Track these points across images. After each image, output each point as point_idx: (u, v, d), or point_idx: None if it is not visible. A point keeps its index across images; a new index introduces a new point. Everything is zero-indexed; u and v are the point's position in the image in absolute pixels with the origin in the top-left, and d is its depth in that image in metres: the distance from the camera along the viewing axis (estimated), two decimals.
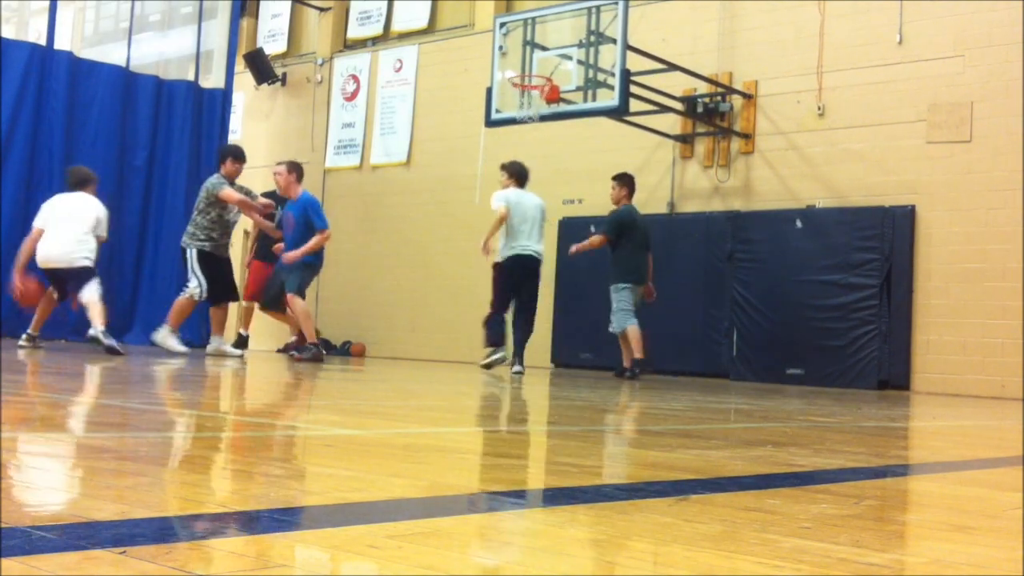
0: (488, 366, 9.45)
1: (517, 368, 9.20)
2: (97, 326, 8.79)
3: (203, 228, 9.40)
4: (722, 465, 2.71)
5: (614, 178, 10.30)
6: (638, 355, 9.76)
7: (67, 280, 9.16)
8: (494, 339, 9.53)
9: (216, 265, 9.47)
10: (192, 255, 9.33)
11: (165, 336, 9.36)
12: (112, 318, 13.17)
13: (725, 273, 11.76)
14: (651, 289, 10.13)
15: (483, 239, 9.67)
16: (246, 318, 11.28)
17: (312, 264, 9.90)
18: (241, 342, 10.97)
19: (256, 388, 6.01)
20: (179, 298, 9.50)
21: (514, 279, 9.53)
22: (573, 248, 10.02)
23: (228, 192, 9.37)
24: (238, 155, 9.74)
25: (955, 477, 2.87)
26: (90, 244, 9.05)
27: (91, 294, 8.89)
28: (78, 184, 9.45)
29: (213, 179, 9.52)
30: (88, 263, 9.04)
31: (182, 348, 9.38)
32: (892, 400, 8.25)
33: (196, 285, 9.30)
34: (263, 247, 11.07)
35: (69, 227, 9.05)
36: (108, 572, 1.12)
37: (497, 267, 9.67)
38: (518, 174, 10.00)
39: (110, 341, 8.70)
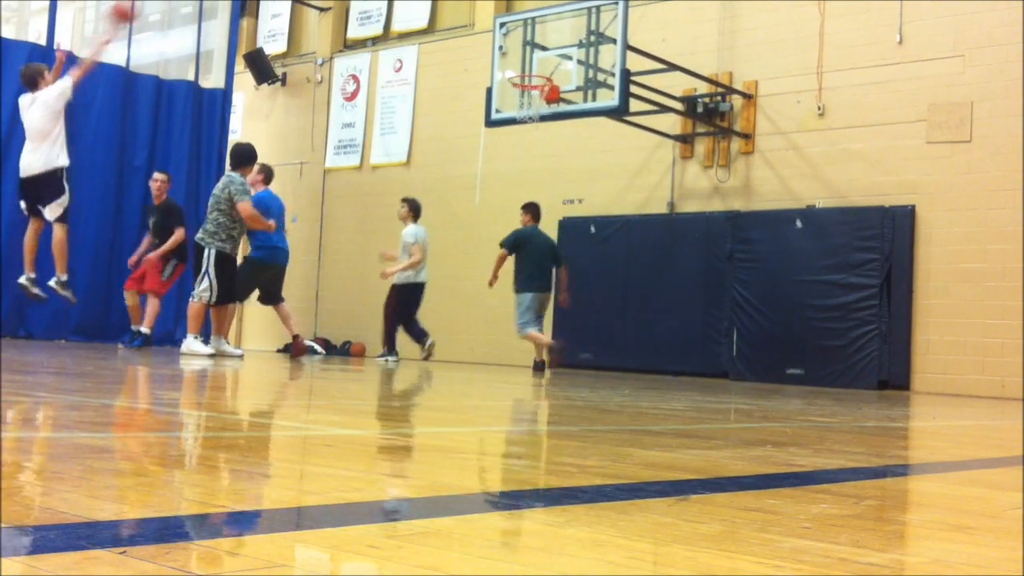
0: (428, 356, 11.33)
1: (394, 358, 11.44)
2: (56, 277, 9.53)
3: (225, 228, 9.26)
4: (722, 465, 2.71)
5: (521, 207, 11.46)
6: (538, 358, 11.11)
7: (40, 191, 9.26)
8: (420, 335, 11.47)
9: (230, 266, 9.43)
10: (211, 255, 9.20)
11: (190, 343, 9.34)
12: (113, 317, 13.27)
13: (725, 273, 11.76)
14: (566, 297, 11.28)
15: (396, 268, 11.37)
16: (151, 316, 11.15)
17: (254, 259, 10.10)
18: (146, 340, 10.93)
19: (256, 388, 6.01)
20: (192, 304, 9.45)
21: (414, 302, 11.44)
22: (491, 278, 11.33)
23: (246, 206, 9.22)
24: (255, 159, 9.75)
25: (955, 477, 2.87)
26: (59, 142, 9.28)
27: (52, 216, 9.28)
28: (28, 83, 9.50)
29: (239, 184, 9.31)
30: (59, 166, 9.26)
31: (209, 349, 9.36)
32: (892, 400, 8.25)
33: (207, 288, 9.21)
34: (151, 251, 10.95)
35: (36, 136, 9.27)
36: (108, 572, 1.12)
37: (405, 289, 11.41)
38: (418, 210, 11.70)
39: (67, 292, 9.58)
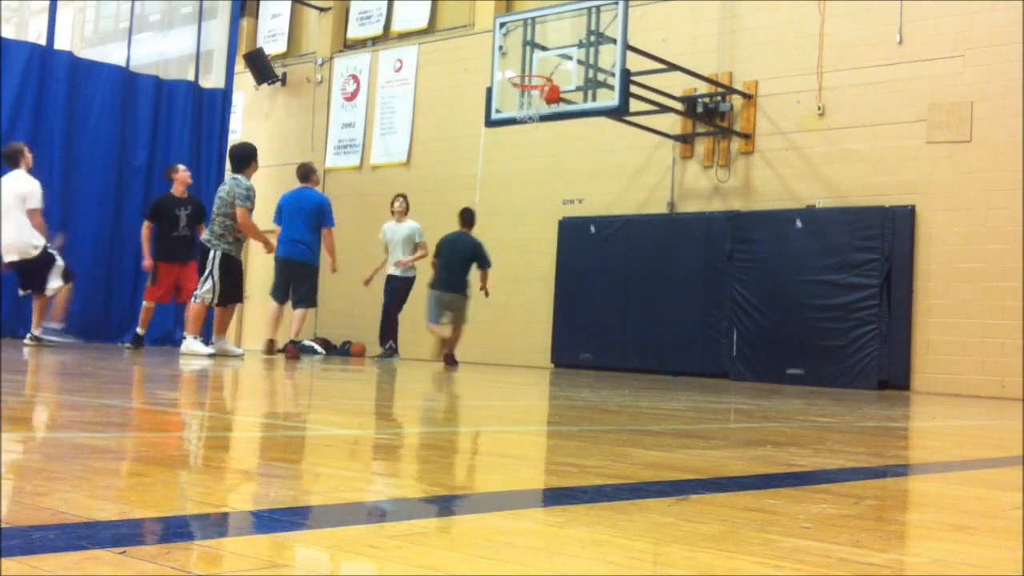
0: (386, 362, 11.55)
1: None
2: (48, 323, 9.85)
3: (231, 230, 9.27)
4: (722, 465, 2.71)
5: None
6: (444, 349, 11.48)
7: (32, 271, 9.58)
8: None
9: (234, 267, 9.45)
10: (216, 257, 9.21)
11: (190, 343, 9.34)
12: (113, 317, 13.28)
13: (725, 273, 11.76)
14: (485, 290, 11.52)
15: (410, 261, 11.97)
16: (145, 317, 10.97)
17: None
18: (138, 340, 10.85)
19: (256, 388, 6.01)
20: (193, 305, 9.42)
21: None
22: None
23: (242, 212, 9.19)
24: (254, 158, 9.75)
25: (955, 477, 2.87)
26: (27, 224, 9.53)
27: (56, 286, 9.67)
28: (9, 161, 9.63)
29: (243, 188, 9.29)
30: (40, 246, 9.54)
31: (209, 349, 9.37)
32: (892, 400, 8.25)
33: (209, 290, 9.22)
34: (170, 247, 10.60)
35: (13, 214, 9.49)
36: (108, 572, 1.12)
37: (410, 283, 12.07)
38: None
39: (50, 337, 9.77)
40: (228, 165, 10.15)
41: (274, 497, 1.79)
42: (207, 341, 9.77)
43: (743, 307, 11.57)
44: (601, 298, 12.63)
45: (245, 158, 9.55)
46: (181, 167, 11.19)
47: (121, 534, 1.35)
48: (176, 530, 1.43)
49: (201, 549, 1.30)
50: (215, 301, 9.29)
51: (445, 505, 1.82)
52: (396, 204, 12.17)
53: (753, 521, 1.71)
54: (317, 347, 13.67)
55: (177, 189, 10.91)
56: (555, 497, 2.02)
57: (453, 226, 14.14)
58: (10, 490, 1.63)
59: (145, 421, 3.34)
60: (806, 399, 7.51)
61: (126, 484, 1.85)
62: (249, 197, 9.27)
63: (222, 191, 9.48)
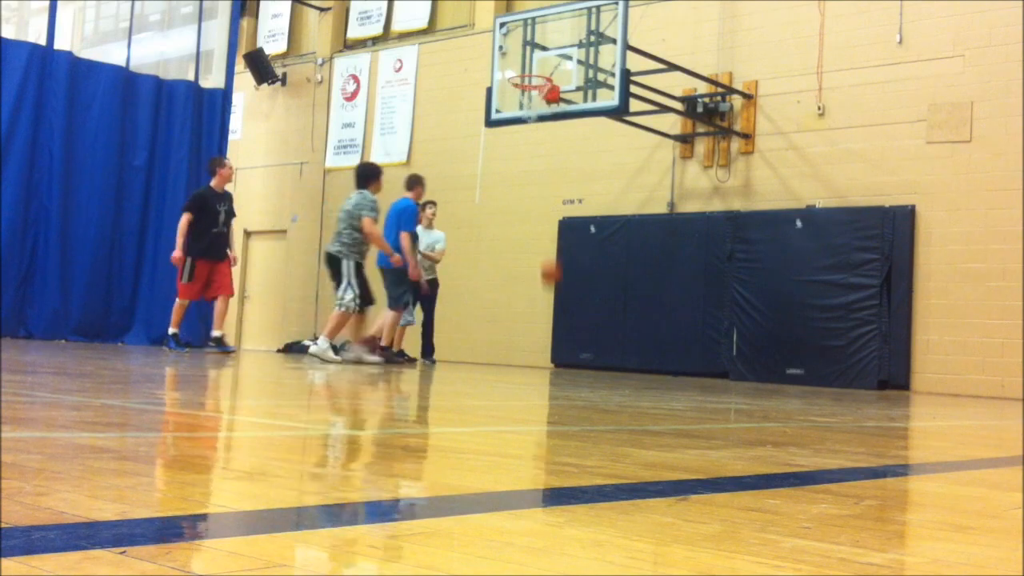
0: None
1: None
2: None
3: (359, 242, 9.64)
4: (722, 465, 2.71)
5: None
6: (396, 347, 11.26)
7: None
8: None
9: (364, 275, 9.75)
10: (351, 267, 9.52)
11: (324, 350, 9.58)
12: (112, 317, 13.29)
13: (725, 273, 11.76)
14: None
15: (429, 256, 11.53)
16: (179, 316, 10.76)
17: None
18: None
19: (256, 388, 6.01)
20: (336, 313, 9.57)
21: None
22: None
23: (366, 222, 9.54)
24: (376, 176, 9.98)
25: (955, 477, 2.87)
26: None
27: None
28: None
29: (370, 200, 9.65)
30: None
31: (339, 358, 9.66)
32: (892, 400, 8.25)
33: (352, 298, 9.48)
34: (209, 244, 10.42)
35: None
36: (108, 572, 1.12)
37: (435, 285, 11.86)
38: None
39: None
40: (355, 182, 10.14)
41: (275, 497, 1.79)
42: (336, 349, 10.01)
43: (743, 307, 11.57)
44: (601, 298, 12.63)
45: (368, 175, 9.96)
46: (228, 161, 11.15)
47: (121, 534, 1.35)
48: (176, 530, 1.43)
49: (201, 549, 1.30)
50: (360, 307, 9.61)
51: (445, 505, 1.82)
52: (428, 210, 11.87)
53: (753, 521, 1.71)
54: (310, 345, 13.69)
55: (219, 184, 10.74)
56: (555, 497, 2.02)
57: (452, 227, 14.19)
58: (10, 490, 1.63)
59: (145, 421, 3.34)
60: (806, 399, 7.51)
61: (126, 484, 1.85)
62: (374, 208, 9.69)
63: (348, 205, 9.78)
